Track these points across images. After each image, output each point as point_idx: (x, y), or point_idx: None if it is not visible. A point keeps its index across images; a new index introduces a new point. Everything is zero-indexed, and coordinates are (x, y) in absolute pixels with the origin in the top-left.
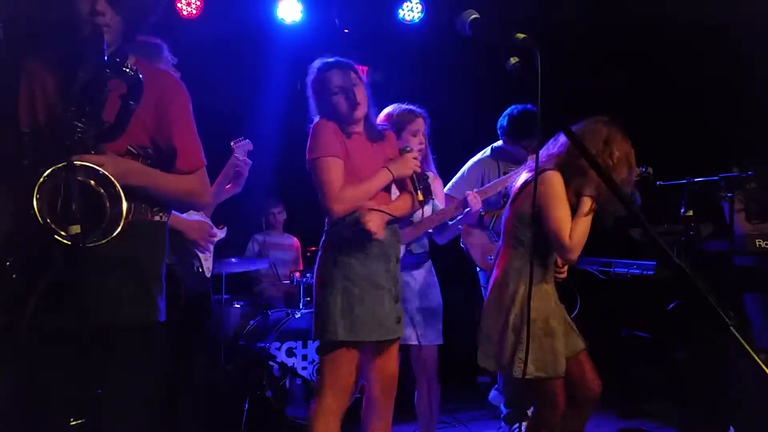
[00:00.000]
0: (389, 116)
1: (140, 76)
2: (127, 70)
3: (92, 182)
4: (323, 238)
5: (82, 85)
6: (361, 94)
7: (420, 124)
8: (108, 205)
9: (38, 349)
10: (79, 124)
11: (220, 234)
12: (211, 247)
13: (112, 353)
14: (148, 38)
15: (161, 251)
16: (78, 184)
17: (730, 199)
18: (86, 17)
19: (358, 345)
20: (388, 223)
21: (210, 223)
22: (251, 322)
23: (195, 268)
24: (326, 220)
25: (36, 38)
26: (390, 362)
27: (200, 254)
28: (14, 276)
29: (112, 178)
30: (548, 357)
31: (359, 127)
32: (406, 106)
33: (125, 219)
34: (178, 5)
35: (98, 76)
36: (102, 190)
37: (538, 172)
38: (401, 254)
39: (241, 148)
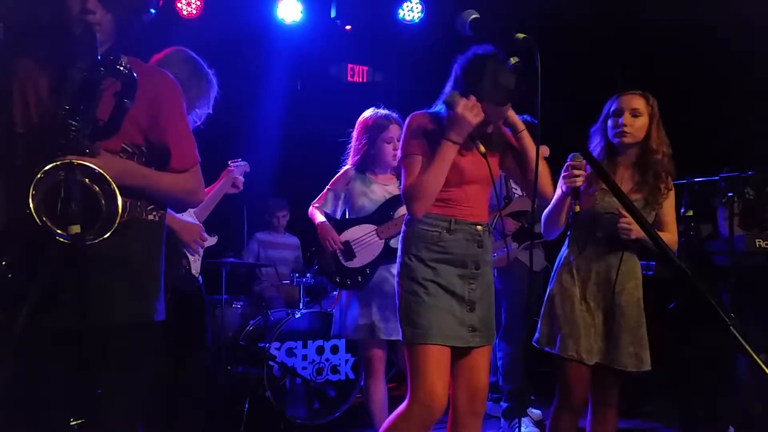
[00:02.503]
0: (364, 122)
1: (134, 74)
2: (121, 68)
3: (87, 180)
4: (401, 234)
5: (75, 84)
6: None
7: (395, 131)
8: (103, 202)
9: (36, 349)
10: (73, 123)
11: (211, 241)
12: (201, 251)
13: (108, 353)
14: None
15: (157, 251)
16: (76, 183)
17: (729, 200)
18: (77, 16)
19: (429, 347)
20: (469, 231)
21: (202, 226)
22: (251, 322)
23: (182, 268)
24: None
25: (29, 39)
26: (474, 374)
27: (189, 255)
28: (10, 276)
29: (107, 176)
30: (554, 333)
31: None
32: (382, 112)
33: (121, 216)
34: (178, 5)
35: (92, 74)
36: (97, 188)
37: (537, 169)
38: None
39: (239, 170)
